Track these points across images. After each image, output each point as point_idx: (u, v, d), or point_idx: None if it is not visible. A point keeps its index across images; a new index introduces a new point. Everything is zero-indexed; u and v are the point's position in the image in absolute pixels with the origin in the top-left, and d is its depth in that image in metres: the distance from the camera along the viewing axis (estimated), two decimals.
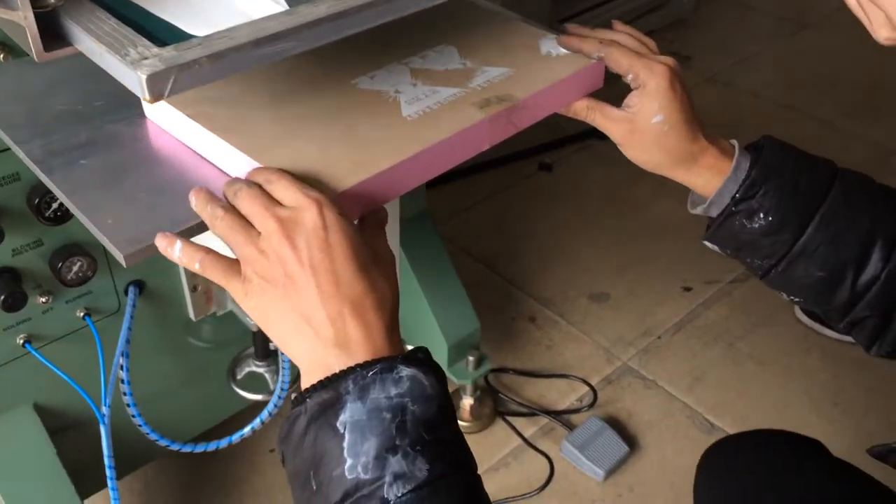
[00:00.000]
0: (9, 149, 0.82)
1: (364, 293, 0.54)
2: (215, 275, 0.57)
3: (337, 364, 0.52)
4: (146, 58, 0.51)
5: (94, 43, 0.53)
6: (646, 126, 0.74)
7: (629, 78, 0.74)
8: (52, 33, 0.56)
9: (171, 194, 0.61)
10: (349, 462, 0.49)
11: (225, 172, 0.64)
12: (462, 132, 0.66)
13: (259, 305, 0.55)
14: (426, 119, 0.67)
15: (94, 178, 0.63)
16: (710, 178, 0.76)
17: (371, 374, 0.51)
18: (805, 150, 0.77)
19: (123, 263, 0.56)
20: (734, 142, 0.77)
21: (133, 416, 1.02)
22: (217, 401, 1.23)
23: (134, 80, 0.50)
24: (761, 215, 0.73)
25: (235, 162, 0.62)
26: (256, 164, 0.61)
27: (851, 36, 1.01)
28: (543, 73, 0.74)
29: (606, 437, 1.39)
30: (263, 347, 1.16)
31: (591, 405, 1.48)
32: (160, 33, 0.55)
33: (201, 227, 0.59)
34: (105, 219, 0.58)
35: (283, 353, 1.10)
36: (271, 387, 1.17)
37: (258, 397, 1.17)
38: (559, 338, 1.63)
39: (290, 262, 0.53)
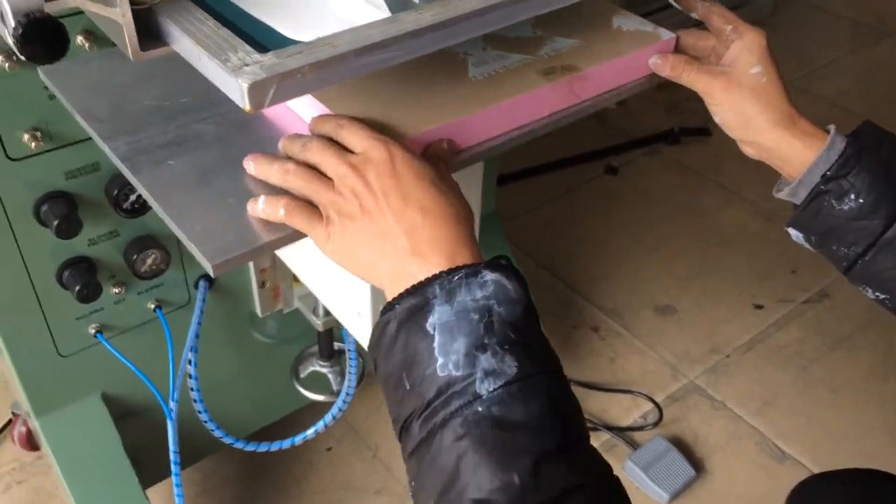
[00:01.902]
0: (87, 139, 0.83)
1: (433, 204, 0.56)
2: (299, 220, 0.58)
3: (419, 272, 0.54)
4: (247, 64, 0.49)
5: (192, 45, 0.51)
6: (743, 77, 0.72)
7: (729, 29, 0.73)
8: (148, 32, 0.54)
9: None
10: (440, 360, 0.51)
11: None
12: (523, 96, 0.67)
13: (341, 245, 0.57)
14: (490, 81, 0.68)
15: (182, 180, 0.61)
16: (803, 149, 0.72)
17: (457, 278, 0.52)
18: None
19: (212, 273, 0.54)
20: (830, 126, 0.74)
21: (199, 413, 1.02)
22: (278, 397, 1.22)
23: (235, 88, 0.48)
24: (852, 196, 0.70)
25: (310, 111, 0.63)
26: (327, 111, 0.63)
27: None
28: (611, 46, 0.74)
29: (672, 459, 1.35)
30: (328, 346, 1.14)
31: (656, 423, 1.44)
32: (259, 37, 0.53)
33: (297, 235, 0.57)
34: (193, 226, 0.56)
35: (350, 353, 1.09)
36: (334, 387, 1.16)
37: (320, 398, 1.15)
38: (623, 350, 1.59)
39: (363, 195, 0.56)
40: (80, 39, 0.78)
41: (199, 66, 0.51)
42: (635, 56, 0.74)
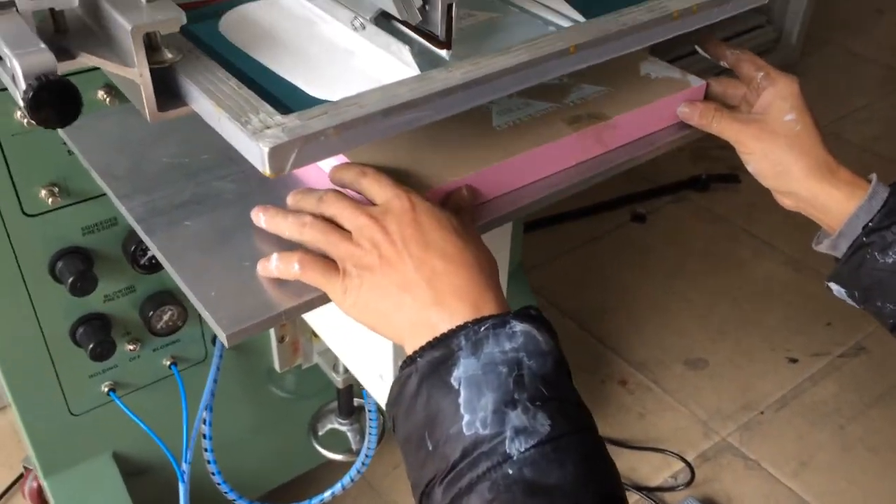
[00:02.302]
0: (103, 195, 0.81)
1: (456, 252, 0.53)
2: (314, 275, 0.54)
3: (440, 321, 0.51)
4: (269, 127, 0.46)
5: (212, 106, 0.48)
6: (776, 125, 0.70)
7: (760, 76, 0.72)
8: (167, 91, 0.52)
9: None
10: (466, 418, 0.47)
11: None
12: (548, 146, 0.65)
13: (358, 298, 0.54)
14: (515, 130, 0.66)
15: (198, 241, 0.58)
16: (843, 199, 0.69)
17: (483, 328, 0.49)
18: None
19: (226, 343, 0.51)
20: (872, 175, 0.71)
21: (213, 474, 0.98)
22: (295, 455, 1.18)
23: (255, 152, 0.45)
24: None
25: (329, 161, 0.60)
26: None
27: None
28: (639, 94, 0.71)
29: None
30: (348, 404, 1.11)
31: (688, 484, 1.38)
32: (283, 97, 0.51)
33: (316, 302, 0.54)
34: (208, 290, 0.53)
35: (370, 410, 1.05)
36: (353, 446, 1.11)
37: (339, 457, 1.11)
38: (653, 405, 1.53)
39: (383, 245, 0.53)
40: (100, 94, 0.76)
41: (219, 127, 0.49)
42: (664, 103, 0.72)
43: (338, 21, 0.61)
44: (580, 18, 0.63)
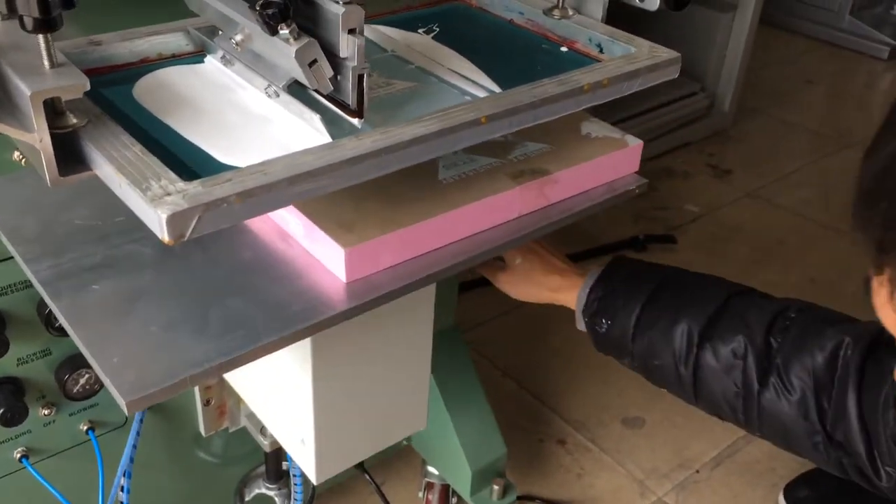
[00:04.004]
0: None
1: None
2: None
3: None
4: (168, 193, 0.45)
5: (113, 171, 0.48)
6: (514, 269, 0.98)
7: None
8: (71, 155, 0.51)
9: (187, 329, 0.55)
10: None
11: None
12: (492, 198, 0.66)
13: None
14: (460, 183, 0.67)
15: (104, 306, 0.57)
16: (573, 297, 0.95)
17: None
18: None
19: (125, 410, 0.50)
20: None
21: None
22: None
23: (153, 218, 0.45)
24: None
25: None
26: (299, 213, 0.62)
27: None
28: (580, 151, 0.74)
29: None
30: (276, 468, 1.08)
31: None
32: (191, 162, 0.50)
33: (221, 369, 0.53)
34: (111, 356, 0.52)
35: (295, 475, 1.02)
36: None
37: None
38: (590, 466, 1.53)
39: None
40: (16, 155, 0.75)
41: (120, 193, 0.48)
42: (603, 161, 0.74)
43: (255, 88, 0.62)
44: (496, 89, 0.64)
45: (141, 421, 0.96)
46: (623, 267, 0.93)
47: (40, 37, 0.47)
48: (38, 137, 0.47)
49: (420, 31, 0.74)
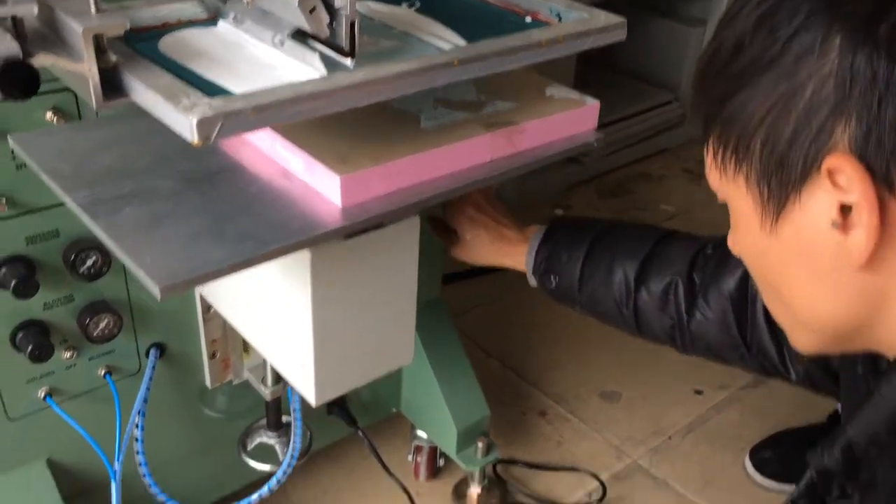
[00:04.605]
0: (49, 207, 0.89)
1: None
2: None
3: None
4: (197, 105, 0.56)
5: (149, 92, 0.58)
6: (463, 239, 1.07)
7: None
8: (111, 87, 0.61)
9: (206, 240, 0.66)
10: None
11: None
12: (467, 141, 0.77)
13: None
14: (440, 130, 0.78)
15: (135, 224, 0.67)
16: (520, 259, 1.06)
17: None
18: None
19: (158, 296, 0.60)
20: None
21: (144, 476, 1.03)
22: (228, 472, 1.23)
23: (185, 124, 0.55)
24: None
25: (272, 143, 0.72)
26: (299, 150, 0.72)
27: None
28: (544, 108, 0.85)
29: None
30: (276, 417, 1.17)
31: (600, 500, 1.46)
32: (210, 91, 0.61)
33: (232, 269, 0.63)
34: (145, 257, 0.62)
35: (296, 425, 1.12)
36: (281, 459, 1.18)
37: (266, 468, 1.17)
38: (569, 434, 1.63)
39: None
40: (48, 115, 0.85)
41: (155, 110, 0.58)
42: (564, 116, 0.85)
43: (262, 43, 0.72)
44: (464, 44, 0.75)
45: (153, 367, 1.06)
46: (562, 226, 1.04)
47: None
48: (88, 66, 0.58)
49: (403, 4, 0.85)
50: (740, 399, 1.73)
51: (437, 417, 1.40)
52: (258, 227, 0.68)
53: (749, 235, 0.60)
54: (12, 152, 0.84)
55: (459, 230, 1.06)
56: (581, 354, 1.83)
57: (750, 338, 0.91)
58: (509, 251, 1.05)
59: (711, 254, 0.94)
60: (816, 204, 0.53)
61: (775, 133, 0.53)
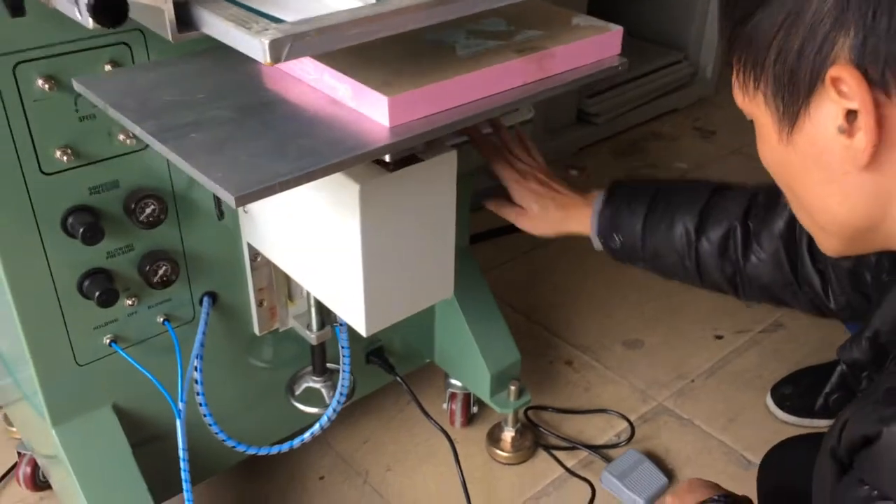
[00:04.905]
0: (109, 158, 0.95)
1: None
2: None
3: None
4: (267, 29, 0.62)
5: (221, 21, 0.64)
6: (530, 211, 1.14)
7: None
8: (183, 21, 0.68)
9: (270, 157, 0.72)
10: None
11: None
12: (501, 66, 0.82)
13: None
14: (475, 57, 0.84)
15: (203, 146, 0.73)
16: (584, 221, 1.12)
17: None
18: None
19: (233, 205, 0.65)
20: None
21: (205, 416, 1.10)
22: (279, 417, 1.30)
23: (257, 46, 0.61)
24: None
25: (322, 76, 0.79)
26: (347, 78, 0.77)
27: None
28: (571, 35, 0.91)
29: (645, 469, 1.43)
30: (321, 361, 1.24)
31: (629, 440, 1.52)
32: (272, 20, 0.67)
33: (298, 181, 0.69)
34: (216, 173, 0.68)
35: (344, 361, 1.18)
36: (327, 402, 1.24)
37: (315, 410, 1.24)
38: (596, 380, 1.69)
39: None
40: (107, 67, 0.92)
41: (227, 38, 0.64)
42: (590, 41, 0.91)
43: None
44: None
45: (208, 313, 1.12)
46: (622, 187, 1.09)
47: None
48: (164, 0, 0.64)
49: None
50: (759, 342, 1.79)
51: (470, 363, 1.46)
52: (315, 145, 0.73)
53: (770, 148, 0.66)
54: (75, 103, 0.91)
55: (527, 204, 1.13)
56: (603, 307, 1.89)
57: (800, 274, 0.96)
58: (575, 215, 1.11)
59: (763, 200, 0.99)
60: (824, 112, 0.59)
61: (785, 49, 0.59)
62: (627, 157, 2.53)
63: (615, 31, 0.91)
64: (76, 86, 0.85)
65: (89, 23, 0.60)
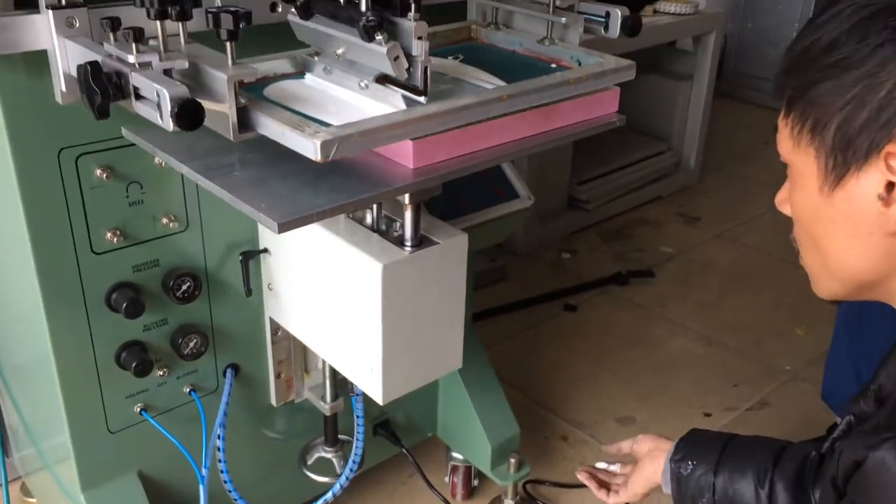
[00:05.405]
0: (152, 239, 1.04)
1: None
2: None
3: None
4: (318, 132, 0.73)
5: (277, 125, 0.75)
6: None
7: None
8: (242, 123, 0.78)
9: (306, 192, 0.80)
10: None
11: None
12: (512, 116, 0.88)
13: None
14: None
15: (246, 182, 0.82)
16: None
17: None
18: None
19: (276, 231, 0.74)
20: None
21: (226, 483, 1.16)
22: (291, 486, 1.36)
23: (310, 147, 0.72)
24: None
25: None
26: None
27: None
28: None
29: None
30: (333, 431, 1.31)
31: None
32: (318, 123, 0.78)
33: (333, 212, 0.78)
34: (259, 203, 0.77)
35: (357, 440, 1.25)
36: (338, 471, 1.31)
37: (326, 479, 1.30)
38: (591, 455, 1.75)
39: None
40: (157, 159, 1.02)
41: (283, 139, 0.75)
42: (592, 98, 0.96)
43: (345, 88, 0.90)
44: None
45: (231, 384, 1.20)
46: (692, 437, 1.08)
47: (229, 44, 0.75)
48: (229, 106, 0.74)
49: (449, 58, 1.03)
50: (746, 420, 1.87)
51: (472, 436, 1.53)
52: (346, 184, 0.82)
53: (806, 196, 0.76)
54: (127, 190, 1.01)
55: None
56: (595, 383, 1.97)
57: None
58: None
59: (815, 456, 1.00)
60: (869, 179, 0.69)
61: (850, 120, 0.68)
62: (615, 241, 2.65)
63: (613, 91, 0.99)
64: (125, 133, 0.93)
65: (170, 126, 0.70)
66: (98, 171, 0.98)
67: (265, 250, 1.15)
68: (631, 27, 1.03)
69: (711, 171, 3.16)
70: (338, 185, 0.82)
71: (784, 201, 0.82)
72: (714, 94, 2.97)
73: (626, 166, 2.76)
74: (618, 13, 1.03)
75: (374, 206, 1.01)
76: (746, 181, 3.17)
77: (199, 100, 0.74)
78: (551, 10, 1.03)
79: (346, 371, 1.10)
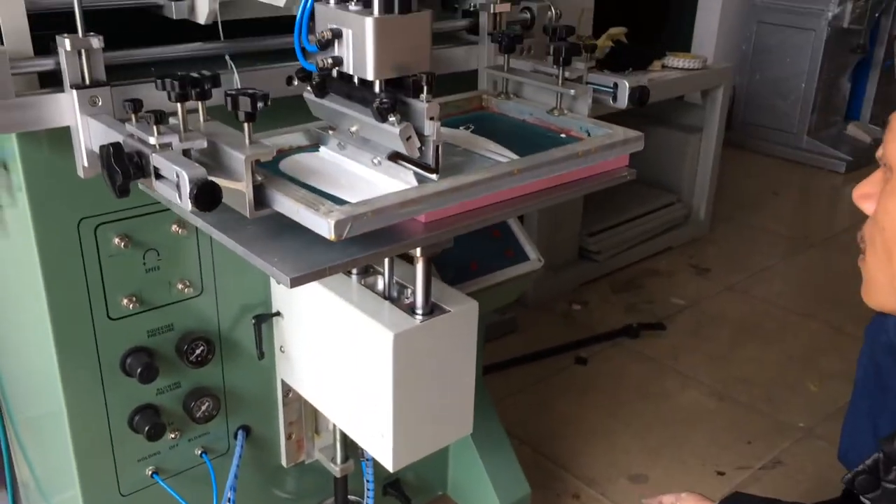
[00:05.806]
0: (167, 304, 1.06)
1: None
2: None
3: None
4: (332, 211, 0.74)
5: (292, 202, 0.77)
6: None
7: None
8: (258, 200, 0.80)
9: (320, 247, 0.80)
10: None
11: None
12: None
13: None
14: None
15: (259, 235, 0.82)
16: None
17: None
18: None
19: (288, 286, 0.75)
20: None
21: None
22: None
23: (324, 225, 0.73)
24: None
25: None
26: None
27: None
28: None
29: None
30: (343, 493, 1.31)
31: None
32: (332, 201, 0.79)
33: (345, 266, 0.79)
34: (272, 258, 0.78)
35: (368, 494, 1.25)
36: None
37: None
38: None
39: None
40: (173, 227, 1.04)
41: (297, 216, 0.76)
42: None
43: (358, 164, 0.92)
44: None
45: (242, 447, 1.21)
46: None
47: (247, 124, 0.77)
48: (246, 185, 0.76)
49: (461, 128, 1.05)
50: (759, 479, 1.85)
51: (482, 496, 1.52)
52: (359, 237, 0.80)
53: None
54: (143, 257, 1.03)
55: None
56: (607, 436, 1.96)
57: None
58: None
59: None
60: None
61: None
62: (626, 292, 2.65)
63: (620, 158, 1.00)
64: (141, 186, 0.93)
65: (188, 207, 0.72)
66: (116, 240, 1.00)
67: (278, 313, 1.16)
68: (639, 98, 1.05)
69: (721, 220, 3.17)
70: (350, 239, 0.83)
71: (866, 197, 0.83)
72: (723, 143, 2.99)
73: (636, 217, 2.78)
74: (626, 84, 1.05)
75: (387, 273, 1.02)
76: (755, 231, 3.17)
77: (216, 177, 0.77)
78: (560, 81, 1.05)
79: (356, 436, 1.10)
